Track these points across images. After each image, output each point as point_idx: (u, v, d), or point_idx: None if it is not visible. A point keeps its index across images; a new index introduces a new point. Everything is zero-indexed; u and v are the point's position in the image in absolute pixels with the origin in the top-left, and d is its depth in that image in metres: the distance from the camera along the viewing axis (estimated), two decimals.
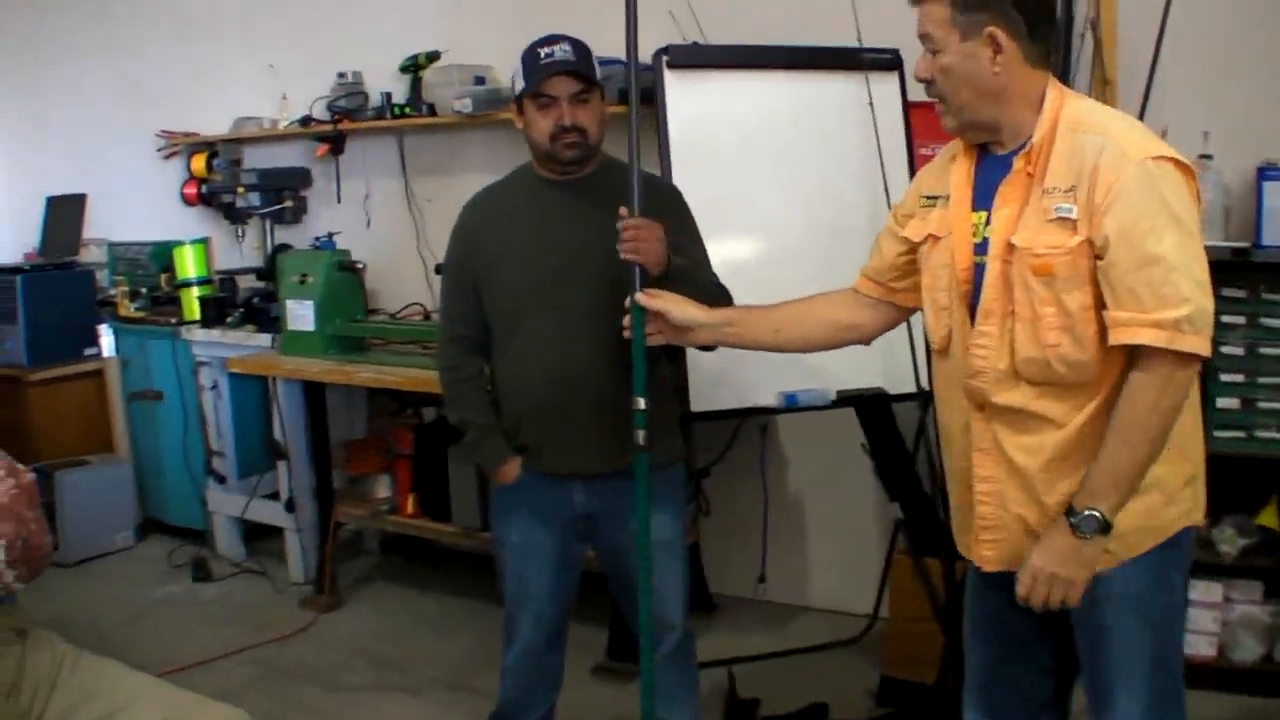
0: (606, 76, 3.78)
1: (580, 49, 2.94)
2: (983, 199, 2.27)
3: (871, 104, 3.75)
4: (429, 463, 4.75)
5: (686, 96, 3.77)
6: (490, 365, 3.11)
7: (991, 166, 2.26)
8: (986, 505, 2.30)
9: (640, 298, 2.66)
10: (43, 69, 7.02)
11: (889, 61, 3.86)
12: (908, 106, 3.89)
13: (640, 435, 2.72)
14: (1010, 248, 2.16)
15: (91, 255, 6.66)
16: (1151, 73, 3.58)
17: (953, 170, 2.34)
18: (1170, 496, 2.20)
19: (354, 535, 5.58)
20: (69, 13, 6.84)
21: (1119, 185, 2.04)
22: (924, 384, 3.69)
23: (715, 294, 2.95)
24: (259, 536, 5.59)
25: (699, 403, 3.67)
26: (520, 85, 2.94)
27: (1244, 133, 3.71)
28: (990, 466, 2.28)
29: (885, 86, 3.84)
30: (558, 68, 2.88)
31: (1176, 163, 2.08)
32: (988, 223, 2.23)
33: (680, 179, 3.62)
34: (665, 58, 3.76)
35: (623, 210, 2.75)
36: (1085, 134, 2.11)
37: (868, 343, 2.74)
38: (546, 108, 2.91)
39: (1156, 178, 2.05)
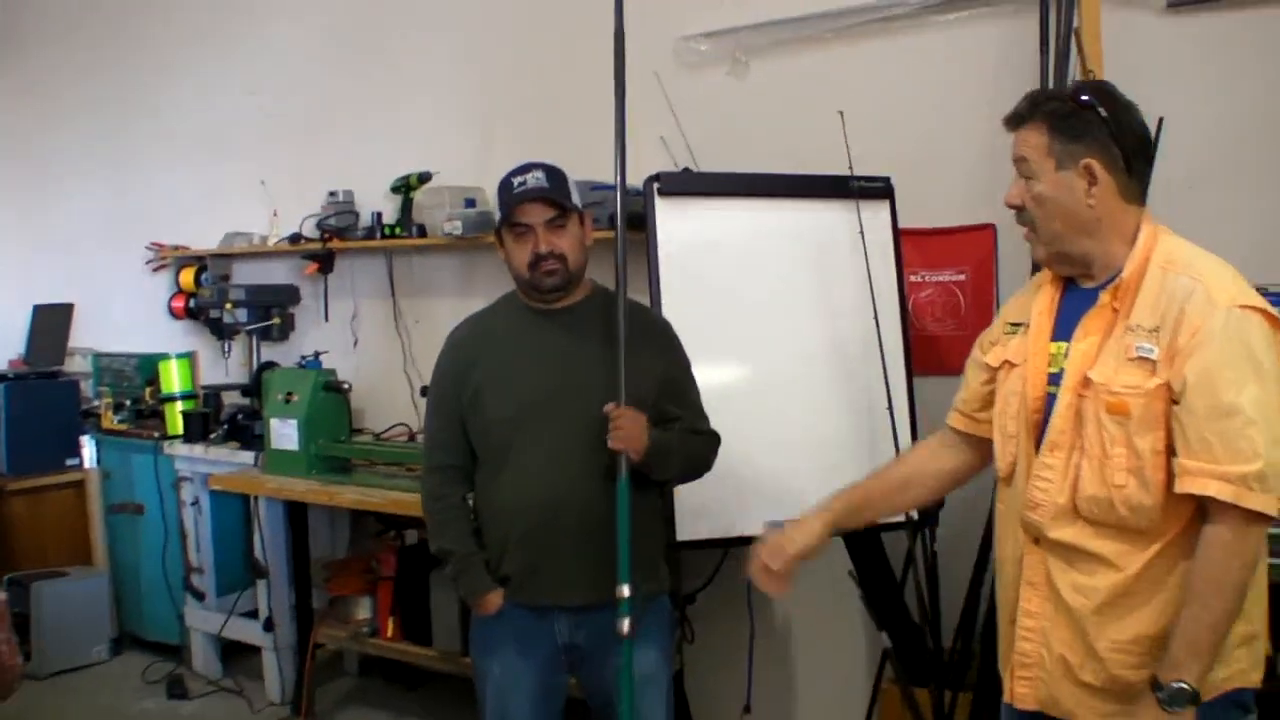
0: (597, 202, 3.84)
1: (554, 175, 2.96)
2: (1064, 330, 2.25)
3: (862, 232, 3.75)
4: (411, 585, 4.69)
5: (677, 223, 3.76)
6: (474, 493, 3.08)
7: (1077, 298, 2.25)
8: (1029, 642, 2.26)
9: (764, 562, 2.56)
10: (39, 181, 7.13)
11: (880, 190, 3.88)
12: (898, 234, 3.90)
13: (625, 624, 2.78)
14: (1086, 382, 2.15)
15: (77, 365, 6.68)
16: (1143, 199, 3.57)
17: (1037, 298, 2.32)
18: (1220, 657, 2.10)
19: (333, 656, 5.49)
20: (67, 127, 6.95)
21: (1204, 331, 2.02)
22: (913, 513, 3.65)
23: (697, 457, 3.08)
24: (236, 654, 5.50)
25: (684, 532, 3.62)
26: (497, 217, 2.96)
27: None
28: (1038, 602, 2.24)
29: (876, 214, 3.85)
30: (529, 195, 2.89)
31: (1265, 313, 2.06)
32: (1066, 354, 2.21)
33: (670, 304, 3.64)
34: (656, 184, 3.76)
35: (609, 407, 2.80)
36: (1176, 275, 2.10)
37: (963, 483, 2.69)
38: (522, 236, 2.93)
39: (1243, 327, 2.03)
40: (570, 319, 3.01)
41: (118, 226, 6.64)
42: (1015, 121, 2.29)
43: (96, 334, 6.72)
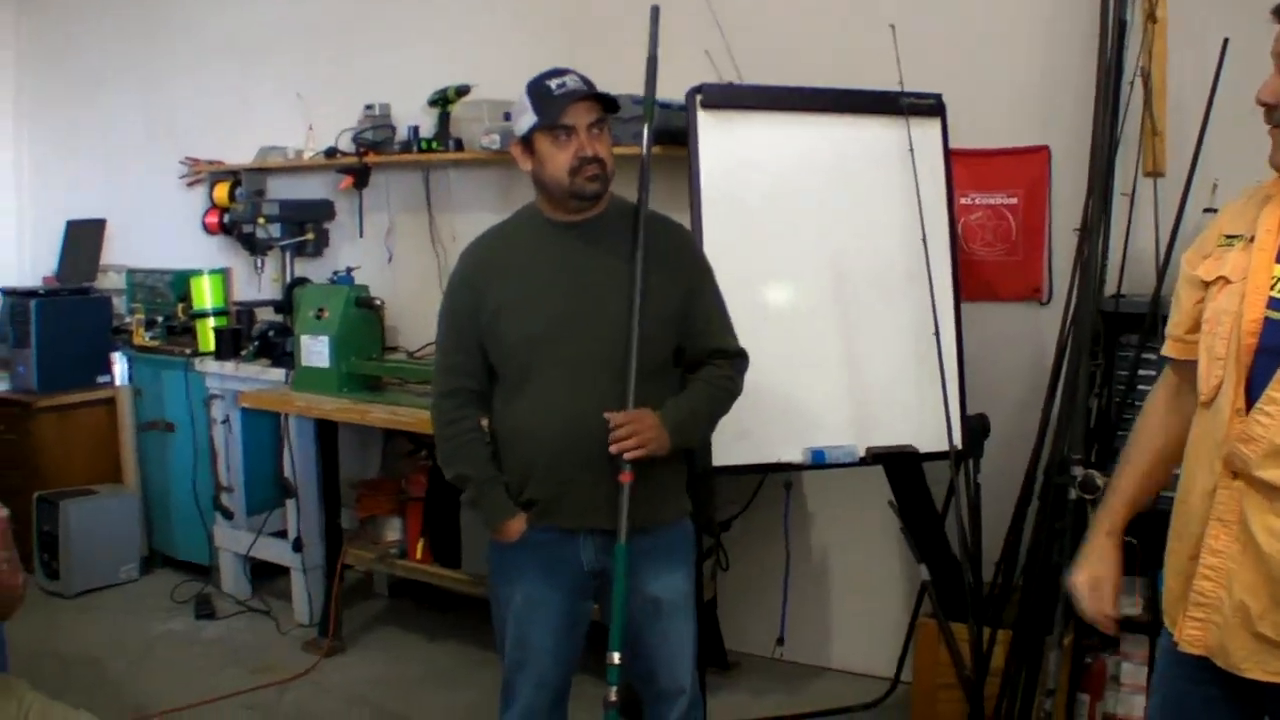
0: (637, 115, 3.70)
1: (587, 81, 2.83)
2: None
3: (912, 150, 3.62)
4: (441, 507, 4.63)
5: (721, 139, 3.63)
6: (491, 418, 2.97)
7: None
8: (1209, 581, 2.09)
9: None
10: (72, 95, 7.03)
11: (931, 107, 3.73)
12: (949, 155, 3.76)
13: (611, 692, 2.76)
14: None
15: (110, 281, 6.63)
16: (1204, 125, 3.43)
17: (1265, 213, 2.12)
18: None
19: (363, 577, 5.46)
20: (101, 42, 6.85)
21: None
22: (957, 443, 3.56)
23: (724, 400, 2.96)
24: (265, 575, 5.47)
25: (722, 456, 3.51)
26: (528, 122, 2.81)
27: None
28: (1226, 541, 2.06)
29: (926, 133, 3.70)
30: (576, 95, 2.76)
31: None
32: None
33: (710, 222, 3.54)
34: (700, 96, 3.63)
35: (608, 415, 2.73)
36: None
37: None
38: (564, 140, 2.78)
39: None
40: (594, 232, 2.88)
41: (151, 141, 6.54)
42: None
43: (132, 250, 6.65)
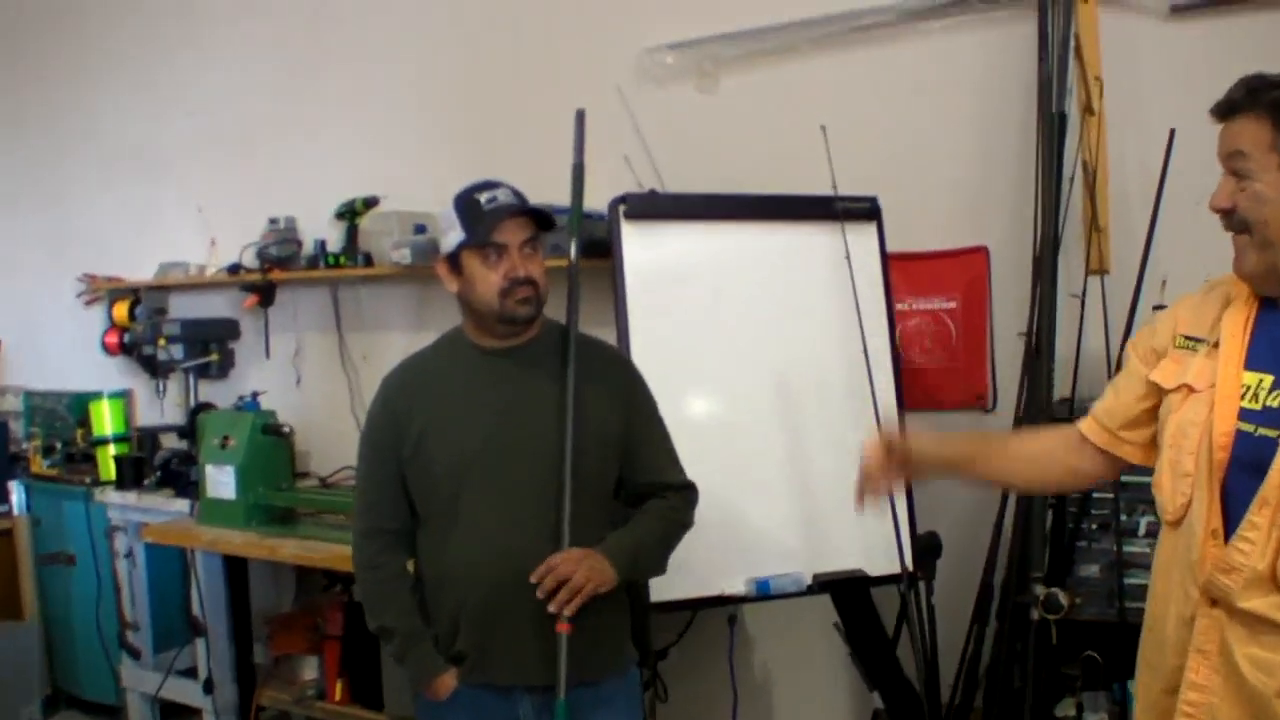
0: (561, 227, 3.50)
1: (520, 197, 2.66)
2: (1262, 359, 1.96)
3: (848, 257, 3.45)
4: (360, 644, 4.36)
5: (645, 249, 3.44)
6: (417, 560, 2.75)
7: (1276, 322, 1.97)
8: (1192, 719, 1.96)
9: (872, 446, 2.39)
10: None
11: (867, 211, 3.58)
12: (886, 258, 3.60)
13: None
14: None
15: (8, 404, 6.34)
16: (1153, 220, 3.30)
17: (1228, 317, 2.02)
18: None
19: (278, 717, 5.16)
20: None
21: None
22: (909, 564, 3.36)
23: (673, 533, 2.79)
24: (177, 715, 5.15)
25: (659, 591, 3.26)
26: (455, 239, 2.62)
27: None
28: (1207, 674, 1.94)
29: (862, 238, 3.54)
30: (509, 210, 2.58)
31: None
32: (1272, 389, 1.92)
33: (639, 338, 3.34)
34: (623, 207, 3.44)
35: (538, 572, 2.52)
36: None
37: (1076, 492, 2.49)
38: (494, 260, 2.58)
39: None
40: (525, 357, 2.69)
41: (51, 256, 6.33)
42: (1227, 111, 1.98)
43: (30, 371, 6.41)
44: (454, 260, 2.65)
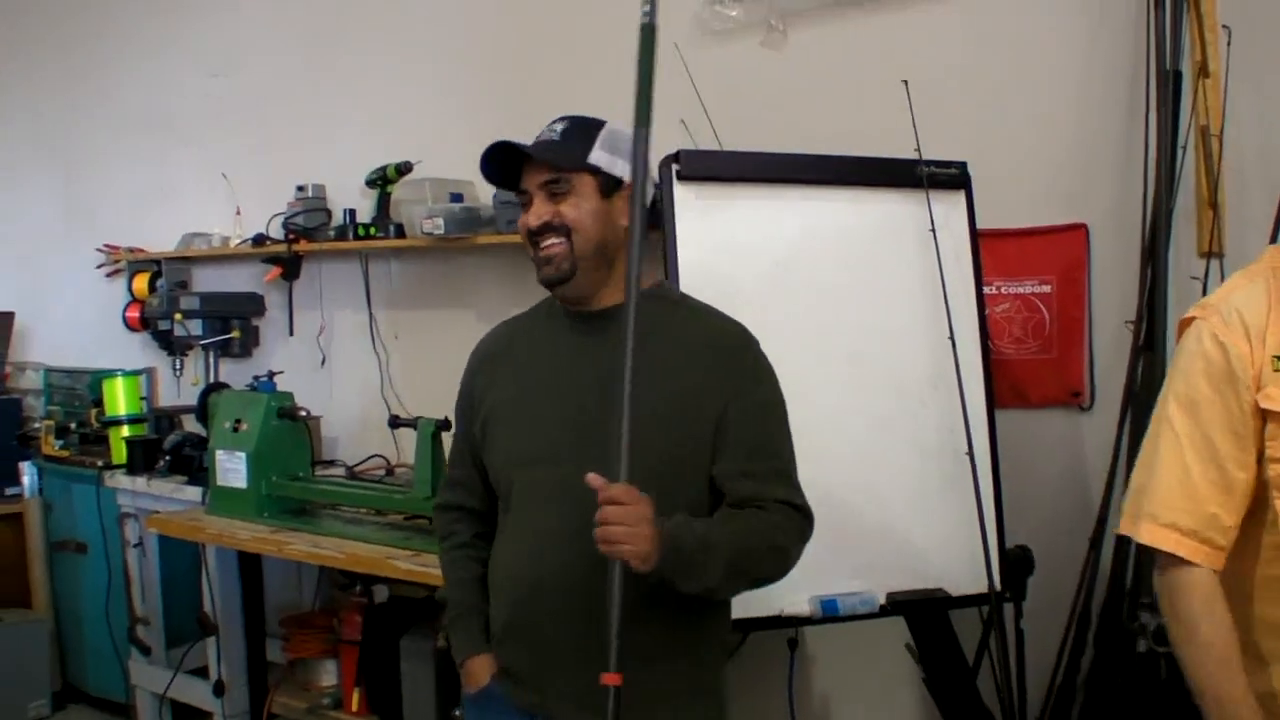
0: None
1: (578, 127, 2.27)
2: None
3: (933, 229, 3.06)
4: (379, 651, 4.03)
5: (702, 217, 3.04)
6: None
7: None
8: None
9: None
10: None
11: (954, 178, 3.17)
12: (976, 234, 3.19)
13: None
14: None
15: (29, 380, 6.17)
16: None
17: None
18: None
19: None
20: (5, 114, 6.47)
21: None
22: (996, 582, 2.96)
23: (762, 554, 2.19)
24: (188, 715, 4.86)
25: None
26: None
27: None
28: None
29: (949, 209, 3.14)
30: (492, 151, 2.24)
31: None
32: None
33: None
34: (676, 167, 3.03)
35: (592, 478, 1.96)
36: None
37: None
38: (525, 207, 2.25)
39: None
40: (604, 326, 2.24)
41: (69, 226, 6.13)
42: None
43: (51, 347, 6.21)
44: None
